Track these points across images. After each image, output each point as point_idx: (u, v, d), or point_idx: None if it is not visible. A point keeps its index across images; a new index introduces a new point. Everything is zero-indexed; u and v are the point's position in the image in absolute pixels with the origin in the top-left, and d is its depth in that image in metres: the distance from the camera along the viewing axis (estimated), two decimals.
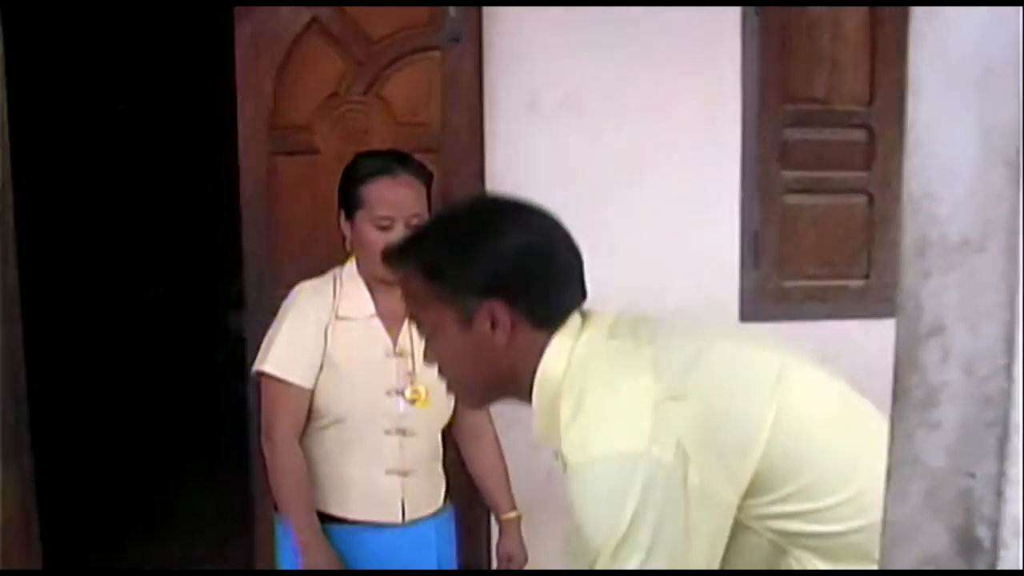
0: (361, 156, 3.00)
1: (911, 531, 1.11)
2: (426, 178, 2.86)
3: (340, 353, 2.81)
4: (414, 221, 2.70)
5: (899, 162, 3.72)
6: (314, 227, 3.83)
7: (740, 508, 1.65)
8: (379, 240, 2.63)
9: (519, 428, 4.04)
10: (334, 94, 3.82)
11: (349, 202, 2.83)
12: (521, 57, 3.93)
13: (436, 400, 2.82)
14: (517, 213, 1.81)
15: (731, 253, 4.07)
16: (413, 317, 1.85)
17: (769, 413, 1.65)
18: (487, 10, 3.81)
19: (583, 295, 1.82)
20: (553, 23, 3.93)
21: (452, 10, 3.73)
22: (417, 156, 3.71)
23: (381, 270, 2.63)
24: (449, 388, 1.88)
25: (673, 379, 1.65)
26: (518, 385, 1.77)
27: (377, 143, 3.78)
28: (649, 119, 3.99)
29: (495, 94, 3.89)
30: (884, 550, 1.15)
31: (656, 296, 4.04)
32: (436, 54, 3.79)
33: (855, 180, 4.14)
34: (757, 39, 4.03)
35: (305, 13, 3.78)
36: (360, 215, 2.80)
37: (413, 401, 2.83)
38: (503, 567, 3.11)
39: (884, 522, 1.16)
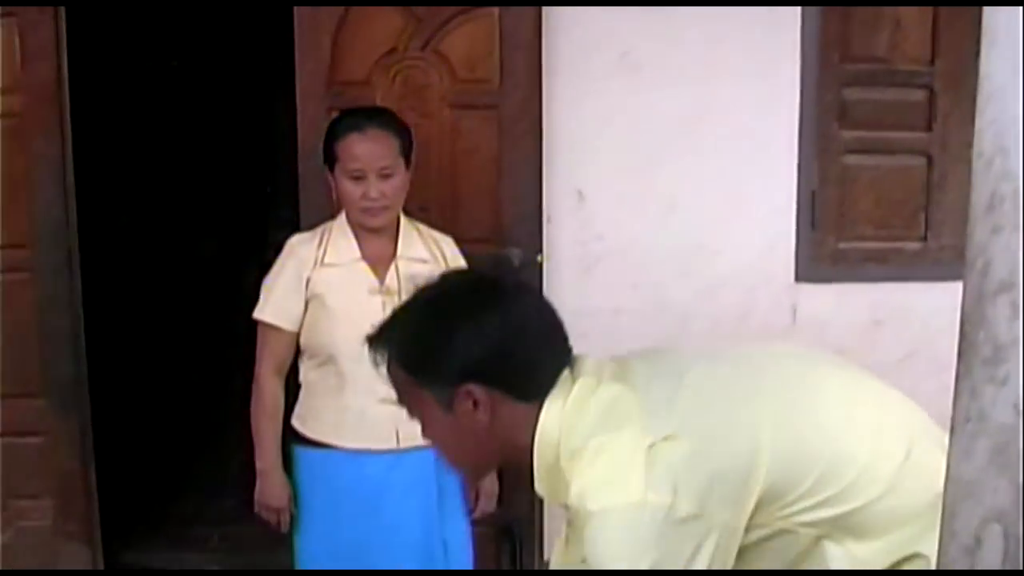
0: (340, 114, 3.26)
1: (976, 488, 1.10)
2: (398, 130, 3.07)
3: (328, 296, 3.04)
4: (385, 172, 2.97)
5: (959, 123, 3.68)
6: None
7: (764, 515, 1.69)
8: (354, 191, 2.98)
9: None
10: (392, 50, 3.81)
11: (328, 158, 3.07)
12: (578, 15, 3.90)
13: None
14: (486, 294, 1.84)
15: (788, 214, 4.04)
16: (401, 402, 1.89)
17: (763, 426, 1.69)
18: None
19: (568, 353, 1.84)
20: None
21: None
22: (476, 112, 3.77)
23: (363, 218, 3.00)
24: (451, 465, 1.97)
25: (660, 419, 1.68)
26: (517, 454, 1.81)
27: (435, 99, 3.81)
28: (707, 78, 3.95)
29: (552, 51, 3.86)
30: (948, 506, 1.15)
31: (709, 261, 4.03)
32: (495, 10, 3.77)
33: (915, 141, 4.09)
34: None
35: None
36: (337, 169, 3.03)
37: None
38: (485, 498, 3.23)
39: (947, 479, 1.15)
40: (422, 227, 3.21)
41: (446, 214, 3.84)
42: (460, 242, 3.80)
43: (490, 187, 3.84)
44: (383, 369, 1.86)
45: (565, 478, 1.74)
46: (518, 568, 3.96)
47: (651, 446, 1.65)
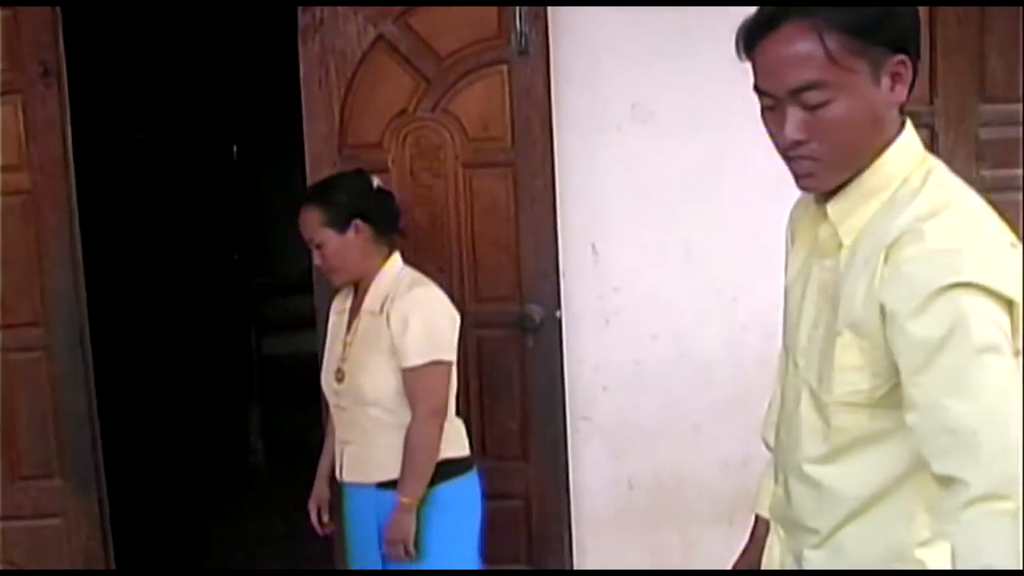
0: None
1: None
2: (326, 202, 3.22)
3: (327, 340, 3.44)
4: (315, 244, 3.22)
5: (961, 161, 3.69)
6: None
7: None
8: (315, 259, 3.28)
9: (600, 438, 4.05)
10: (403, 111, 3.81)
11: None
12: (589, 69, 3.91)
13: (356, 380, 3.20)
14: None
15: None
16: (811, 84, 1.73)
17: None
18: (554, 22, 3.78)
19: None
20: (620, 34, 3.91)
21: (520, 20, 3.70)
22: (489, 171, 3.75)
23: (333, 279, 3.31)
24: (814, 161, 1.81)
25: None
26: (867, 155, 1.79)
27: (449, 159, 3.80)
28: (719, 128, 3.95)
29: (564, 106, 3.86)
30: None
31: (729, 307, 4.02)
32: (504, 67, 3.76)
33: None
34: None
35: (371, 30, 3.76)
36: None
37: (339, 380, 3.25)
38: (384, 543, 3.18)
39: None
40: (399, 279, 3.25)
41: (464, 274, 3.83)
42: (480, 301, 3.81)
43: (508, 245, 3.81)
44: (791, 34, 1.73)
45: (887, 212, 1.74)
46: None
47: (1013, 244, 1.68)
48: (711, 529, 4.09)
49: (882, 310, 1.68)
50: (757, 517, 2.23)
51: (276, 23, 4.66)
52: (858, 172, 1.78)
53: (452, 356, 3.18)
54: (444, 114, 3.80)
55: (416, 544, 3.12)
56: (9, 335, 3.84)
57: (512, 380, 3.87)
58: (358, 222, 3.19)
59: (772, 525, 2.08)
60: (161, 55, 7.67)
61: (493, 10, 3.75)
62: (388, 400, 3.16)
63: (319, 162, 3.82)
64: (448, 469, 3.18)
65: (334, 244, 3.20)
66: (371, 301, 3.23)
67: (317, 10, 3.76)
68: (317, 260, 3.26)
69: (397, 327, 3.12)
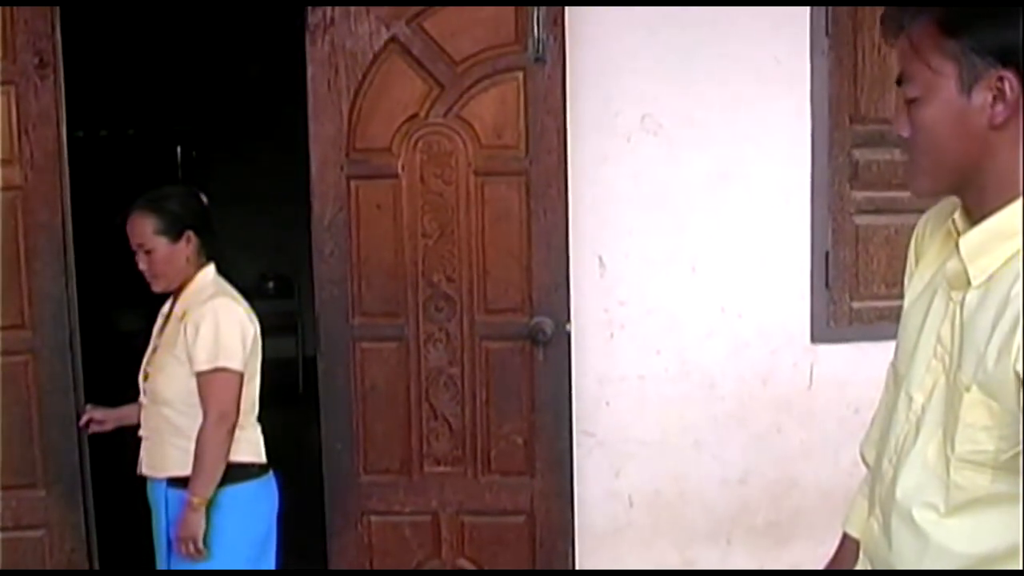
0: None
1: None
2: (161, 211, 3.36)
3: None
4: (144, 249, 3.35)
5: None
6: (396, 253, 3.72)
7: None
8: (140, 264, 3.39)
9: (602, 452, 4.00)
10: (414, 115, 3.71)
11: None
12: (601, 78, 3.86)
13: (155, 381, 3.36)
14: None
15: (805, 275, 4.02)
16: (904, 75, 1.63)
17: None
18: (569, 30, 3.71)
19: None
20: (633, 45, 3.87)
21: (537, 26, 3.63)
22: (502, 179, 3.68)
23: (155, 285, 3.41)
24: (914, 151, 1.68)
25: None
26: (988, 184, 1.61)
27: (461, 166, 3.71)
28: (728, 143, 3.93)
29: (574, 115, 3.78)
30: None
31: (733, 323, 4.00)
32: (519, 74, 3.68)
33: (925, 200, 4.11)
34: (827, 60, 3.99)
35: (384, 32, 3.66)
36: None
37: (144, 379, 3.41)
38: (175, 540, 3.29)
39: None
40: (205, 287, 3.38)
41: (474, 285, 3.74)
42: (489, 312, 3.74)
43: (519, 255, 3.73)
44: (908, 24, 1.60)
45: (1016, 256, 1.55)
46: None
47: None
48: (709, 547, 4.06)
49: (1019, 378, 1.53)
50: (845, 535, 2.09)
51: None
52: (997, 208, 1.61)
53: (238, 366, 3.29)
54: (457, 120, 3.71)
55: (205, 542, 3.23)
56: None
57: (520, 393, 3.79)
58: (190, 233, 3.37)
59: (861, 556, 1.97)
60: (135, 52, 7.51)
61: (509, 15, 3.67)
62: (180, 402, 3.31)
63: (325, 165, 3.72)
64: (238, 473, 3.31)
65: (164, 252, 3.35)
66: (179, 307, 3.40)
67: (328, 9, 3.66)
68: (142, 265, 3.37)
69: (191, 333, 3.27)
